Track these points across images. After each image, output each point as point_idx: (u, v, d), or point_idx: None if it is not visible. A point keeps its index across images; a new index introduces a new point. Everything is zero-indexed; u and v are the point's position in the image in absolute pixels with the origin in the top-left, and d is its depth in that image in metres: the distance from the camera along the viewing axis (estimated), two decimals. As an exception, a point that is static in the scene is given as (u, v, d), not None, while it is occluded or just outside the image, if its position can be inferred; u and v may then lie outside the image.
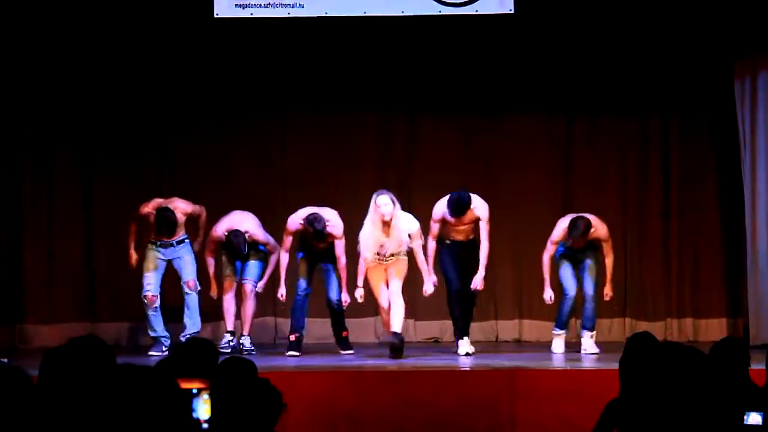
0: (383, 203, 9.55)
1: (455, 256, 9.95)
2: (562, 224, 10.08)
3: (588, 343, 10.18)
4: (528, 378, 8.56)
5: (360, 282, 9.69)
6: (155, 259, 10.23)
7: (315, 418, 8.09)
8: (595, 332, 10.26)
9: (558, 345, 10.22)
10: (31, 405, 3.61)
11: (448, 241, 9.98)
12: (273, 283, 10.31)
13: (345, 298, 9.87)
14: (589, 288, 10.18)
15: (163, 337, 10.21)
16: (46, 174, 11.50)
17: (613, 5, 10.67)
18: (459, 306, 9.95)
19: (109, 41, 10.99)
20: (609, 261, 10.17)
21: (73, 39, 10.95)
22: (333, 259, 9.95)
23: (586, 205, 10.74)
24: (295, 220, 9.90)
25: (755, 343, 10.33)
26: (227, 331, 10.39)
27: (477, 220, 9.89)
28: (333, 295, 10.05)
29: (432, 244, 9.86)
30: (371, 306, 10.22)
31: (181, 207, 10.28)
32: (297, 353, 9.95)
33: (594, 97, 11.59)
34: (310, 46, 11.18)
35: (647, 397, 3.96)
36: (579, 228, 9.93)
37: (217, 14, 10.13)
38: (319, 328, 10.78)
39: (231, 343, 10.27)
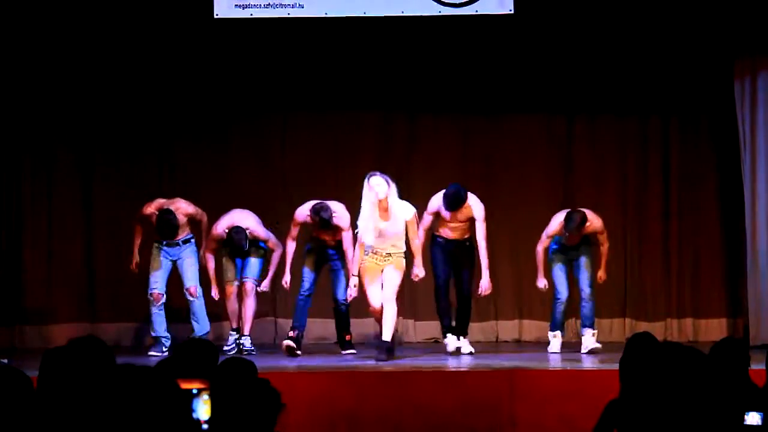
0: (376, 183, 9.37)
1: (447, 254, 9.96)
2: (558, 218, 10.11)
3: (590, 340, 10.19)
4: (528, 378, 8.55)
5: (354, 271, 9.53)
6: (161, 259, 10.24)
7: (315, 418, 8.09)
8: (596, 330, 10.28)
9: (554, 345, 10.26)
10: (31, 406, 3.61)
11: (440, 239, 9.98)
12: (275, 283, 10.35)
13: (351, 292, 9.69)
14: (585, 287, 10.21)
15: (164, 337, 10.21)
16: (46, 174, 11.51)
17: (613, 6, 10.67)
18: (443, 302, 10.00)
19: (109, 41, 10.99)
20: (604, 248, 10.25)
21: (74, 39, 10.95)
22: (342, 258, 9.91)
23: (586, 205, 10.71)
24: (303, 211, 9.93)
25: (755, 343, 10.34)
26: (232, 329, 10.40)
27: (472, 220, 9.88)
28: (340, 295, 10.03)
29: (422, 234, 9.78)
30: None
31: (183, 208, 10.28)
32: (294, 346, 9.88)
33: (594, 97, 11.59)
34: (310, 46, 11.18)
35: (647, 397, 3.96)
36: (575, 221, 9.96)
37: (216, 15, 10.13)
38: (319, 328, 10.78)
39: (238, 341, 10.28)
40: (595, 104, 11.65)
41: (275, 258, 10.24)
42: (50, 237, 11.50)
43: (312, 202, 9.92)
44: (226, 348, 10.20)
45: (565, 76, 11.46)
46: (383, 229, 9.41)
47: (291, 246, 10.03)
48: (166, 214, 10.13)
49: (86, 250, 11.53)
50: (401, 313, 11.02)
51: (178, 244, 10.26)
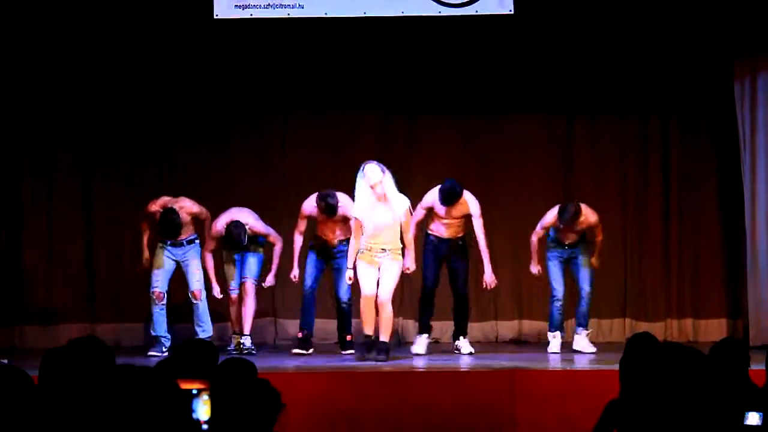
0: (370, 170, 9.36)
1: (439, 258, 9.97)
2: (554, 211, 10.14)
3: (583, 342, 10.21)
4: (528, 378, 8.56)
5: (350, 264, 9.51)
6: (164, 258, 10.24)
7: (315, 419, 8.09)
8: (590, 330, 10.30)
9: (554, 345, 10.28)
10: (31, 405, 3.61)
11: (433, 238, 9.97)
12: (275, 283, 10.36)
13: (347, 281, 9.67)
14: (585, 285, 10.24)
15: (164, 337, 10.20)
16: (46, 174, 11.51)
17: (613, 6, 10.67)
18: (426, 303, 10.02)
19: (109, 42, 10.99)
20: (598, 240, 10.27)
21: (74, 39, 10.94)
22: (344, 257, 9.90)
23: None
24: (310, 203, 9.98)
25: (755, 344, 10.34)
26: (234, 332, 10.41)
27: (467, 217, 9.90)
28: (342, 294, 10.05)
29: (413, 229, 9.71)
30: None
31: (187, 207, 10.28)
32: (303, 351, 9.95)
33: (594, 97, 11.59)
34: (310, 46, 11.18)
35: (647, 397, 3.95)
36: (569, 212, 9.99)
37: (216, 15, 10.13)
38: (318, 328, 10.77)
39: (238, 341, 10.29)
40: (595, 104, 11.65)
41: (277, 251, 10.25)
42: (50, 237, 11.50)
43: (316, 194, 9.98)
44: (228, 350, 10.20)
45: (565, 76, 11.46)
46: (378, 219, 9.36)
47: (299, 239, 10.07)
48: (170, 213, 10.12)
49: (86, 250, 11.52)
50: (401, 313, 11.05)
51: (182, 244, 10.26)
